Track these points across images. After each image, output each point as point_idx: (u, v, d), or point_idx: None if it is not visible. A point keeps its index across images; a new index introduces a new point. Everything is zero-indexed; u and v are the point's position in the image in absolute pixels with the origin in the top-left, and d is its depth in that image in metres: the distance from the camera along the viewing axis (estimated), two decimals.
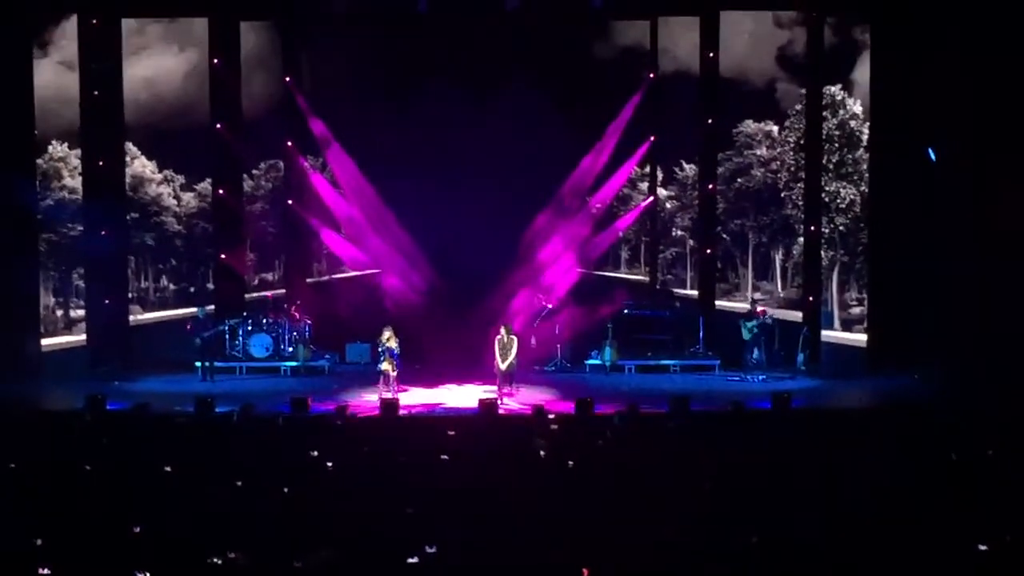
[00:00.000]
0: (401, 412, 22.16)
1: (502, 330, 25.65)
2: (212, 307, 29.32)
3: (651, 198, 31.56)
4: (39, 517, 12.35)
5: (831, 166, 28.86)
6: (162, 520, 12.24)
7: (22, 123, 27.42)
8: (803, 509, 12.68)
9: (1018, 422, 18.18)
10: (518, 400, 24.88)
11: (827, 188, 28.92)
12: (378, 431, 19.40)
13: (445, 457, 15.70)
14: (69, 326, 28.98)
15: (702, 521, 12.21)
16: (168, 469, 14.89)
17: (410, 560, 11.08)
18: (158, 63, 29.89)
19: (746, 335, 27.94)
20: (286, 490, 13.62)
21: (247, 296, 30.97)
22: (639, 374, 28.87)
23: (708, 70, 30.35)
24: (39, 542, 11.50)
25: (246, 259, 31.00)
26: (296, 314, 29.60)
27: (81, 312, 29.11)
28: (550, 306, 29.69)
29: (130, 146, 29.84)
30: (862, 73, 28.34)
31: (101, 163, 28.94)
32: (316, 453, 15.89)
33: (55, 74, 28.44)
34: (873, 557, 11.08)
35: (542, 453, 16.18)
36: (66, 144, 28.74)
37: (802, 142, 29.78)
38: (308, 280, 31.81)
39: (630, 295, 30.94)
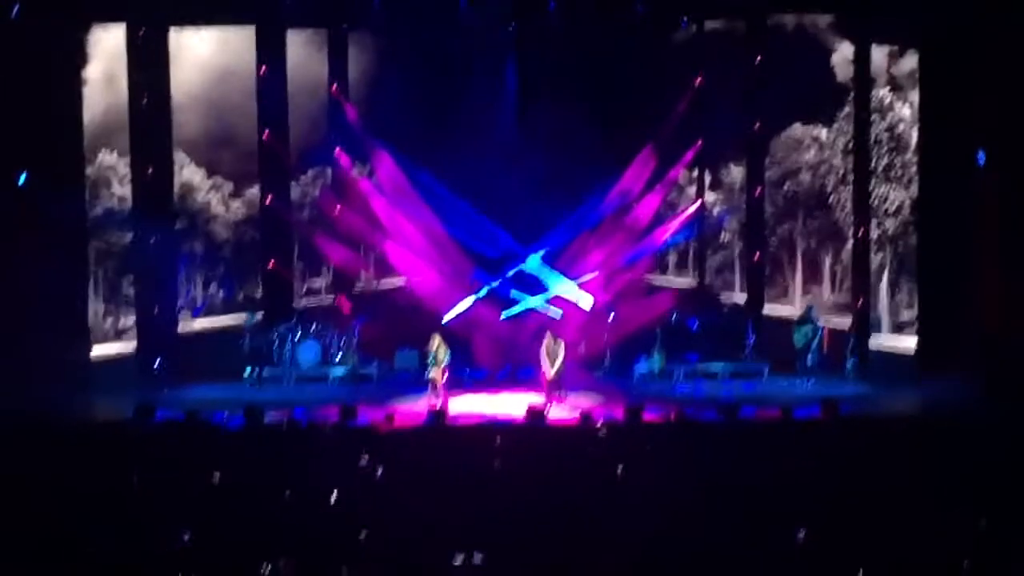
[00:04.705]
0: (449, 419, 22.19)
1: (548, 336, 25.59)
2: (261, 314, 29.39)
3: (699, 202, 31.44)
4: (89, 526, 12.43)
5: (880, 169, 28.65)
6: (211, 528, 12.29)
7: (71, 131, 27.44)
8: (849, 514, 12.63)
9: None
10: (566, 407, 24.80)
11: (875, 191, 28.71)
12: (426, 438, 19.39)
13: (494, 464, 15.71)
14: (118, 334, 29.08)
15: (749, 526, 12.17)
16: (217, 476, 14.96)
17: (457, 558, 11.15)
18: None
19: (799, 341, 27.73)
20: (335, 497, 13.66)
21: (296, 304, 31.02)
22: (687, 380, 28.69)
23: (754, 74, 30.18)
24: (91, 550, 11.60)
25: (294, 266, 31.09)
26: (345, 305, 29.62)
27: (130, 320, 29.19)
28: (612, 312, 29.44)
29: (179, 154, 29.89)
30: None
31: (150, 171, 28.98)
32: (364, 461, 15.91)
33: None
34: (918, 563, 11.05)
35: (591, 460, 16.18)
36: (115, 152, 28.85)
37: (850, 146, 29.53)
38: (356, 287, 31.84)
39: (678, 300, 30.72)
